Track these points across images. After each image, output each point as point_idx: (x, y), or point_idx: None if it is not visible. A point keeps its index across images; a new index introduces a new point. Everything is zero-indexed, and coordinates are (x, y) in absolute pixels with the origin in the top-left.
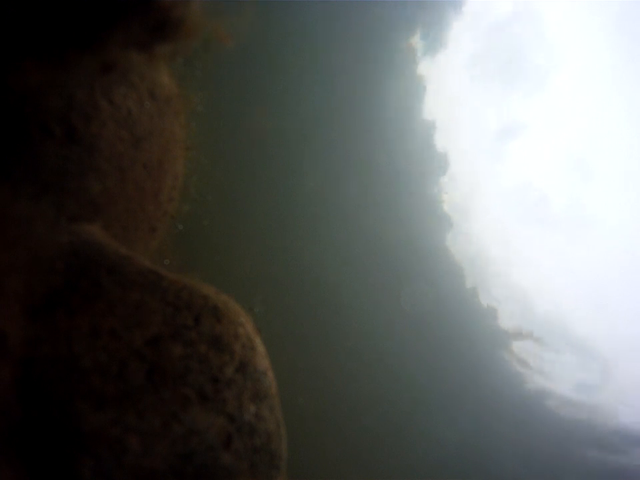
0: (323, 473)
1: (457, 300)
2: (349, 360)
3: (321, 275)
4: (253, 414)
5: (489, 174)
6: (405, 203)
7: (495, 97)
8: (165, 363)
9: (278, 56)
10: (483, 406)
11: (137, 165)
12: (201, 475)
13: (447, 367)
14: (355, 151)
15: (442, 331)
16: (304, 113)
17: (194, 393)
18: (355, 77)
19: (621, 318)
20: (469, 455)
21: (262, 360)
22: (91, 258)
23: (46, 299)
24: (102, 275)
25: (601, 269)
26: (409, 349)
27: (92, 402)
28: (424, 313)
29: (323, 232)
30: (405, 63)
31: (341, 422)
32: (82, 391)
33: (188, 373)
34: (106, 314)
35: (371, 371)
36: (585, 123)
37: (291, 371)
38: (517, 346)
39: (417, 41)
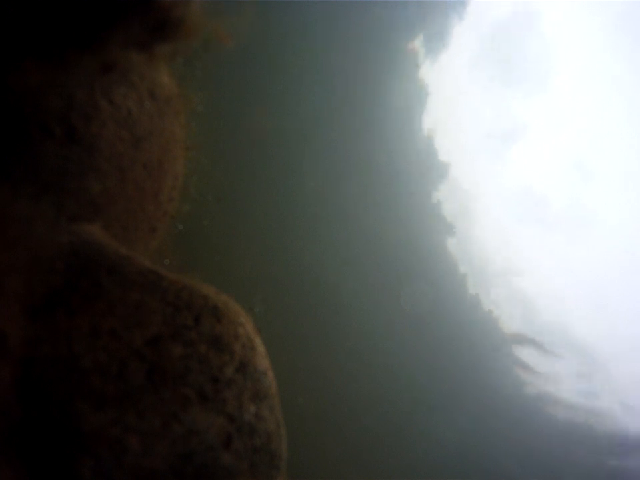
0: (323, 472)
1: (457, 300)
2: (349, 360)
3: (321, 275)
4: (253, 414)
5: (490, 175)
6: (405, 203)
7: (495, 98)
8: (165, 362)
9: (278, 56)
10: (482, 406)
11: (137, 165)
12: (201, 474)
13: (446, 367)
14: (355, 151)
15: (442, 331)
16: (304, 112)
17: (194, 393)
18: (355, 77)
19: (620, 318)
20: (469, 454)
21: (262, 360)
22: (91, 258)
23: (46, 299)
24: (102, 275)
25: (601, 269)
26: (408, 349)
27: (92, 402)
28: (424, 313)
29: (323, 232)
30: (406, 63)
31: (341, 422)
32: (82, 391)
33: (188, 373)
34: (106, 314)
35: (371, 371)
36: (585, 124)
37: (291, 371)
38: (517, 346)
39: (419, 43)
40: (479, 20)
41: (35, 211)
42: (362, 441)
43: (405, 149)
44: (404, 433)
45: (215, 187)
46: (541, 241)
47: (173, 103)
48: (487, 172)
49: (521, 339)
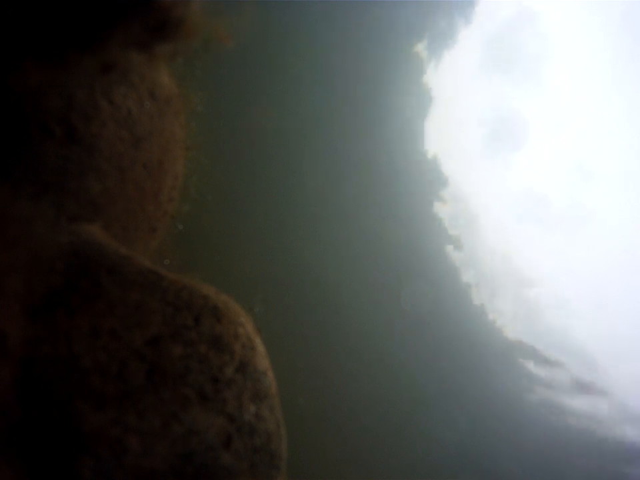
0: (323, 472)
1: (457, 300)
2: (349, 360)
3: (321, 275)
4: (253, 414)
5: (491, 176)
6: (405, 203)
7: (497, 99)
8: (165, 362)
9: (278, 56)
10: (482, 406)
11: (137, 165)
12: (201, 474)
13: (446, 367)
14: (355, 151)
15: (442, 331)
16: (304, 113)
17: (194, 393)
18: (356, 77)
19: (621, 318)
20: (469, 454)
21: (262, 360)
22: (91, 258)
23: (46, 299)
24: (102, 275)
25: (601, 269)
26: (408, 349)
27: (92, 402)
28: (424, 313)
29: (323, 232)
30: (409, 64)
31: (341, 422)
32: (82, 391)
33: (188, 373)
34: (106, 314)
35: (371, 371)
36: (585, 124)
37: (291, 371)
38: (518, 354)
39: (422, 46)
40: (484, 22)
41: (35, 211)
42: (362, 441)
43: (405, 149)
44: (404, 433)
45: (214, 187)
46: (541, 241)
47: (173, 102)
48: (488, 174)
49: (522, 348)
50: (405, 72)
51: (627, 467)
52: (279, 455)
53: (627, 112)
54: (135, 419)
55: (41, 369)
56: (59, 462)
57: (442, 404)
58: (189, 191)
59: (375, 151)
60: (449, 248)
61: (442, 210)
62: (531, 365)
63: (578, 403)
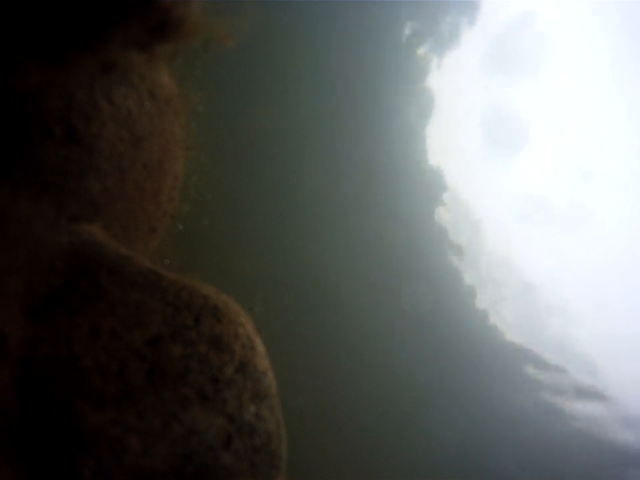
0: (323, 472)
1: (457, 300)
2: (349, 360)
3: (321, 275)
4: (253, 414)
5: (491, 178)
6: (407, 207)
7: (496, 99)
8: (165, 362)
9: (278, 56)
10: (482, 406)
11: (137, 165)
12: (201, 474)
13: (446, 367)
14: (355, 151)
15: (442, 331)
16: (304, 112)
17: (194, 393)
18: (356, 77)
19: (621, 318)
20: (469, 455)
21: (262, 360)
22: (91, 258)
23: (46, 299)
24: (102, 275)
25: (601, 269)
26: (408, 349)
27: (92, 402)
28: (424, 313)
29: (323, 232)
30: (408, 63)
31: (341, 422)
32: (82, 391)
33: (188, 373)
34: (106, 314)
35: (371, 371)
36: (585, 124)
37: (291, 371)
38: (517, 349)
39: (425, 48)
40: (487, 23)
41: (35, 211)
42: (362, 441)
43: (405, 149)
44: (404, 433)
45: (214, 187)
46: (542, 242)
47: (173, 102)
48: (488, 175)
49: (523, 352)
50: (406, 72)
51: (628, 468)
52: (278, 455)
53: (627, 112)
54: (135, 419)
55: (41, 369)
56: (58, 462)
57: (442, 404)
58: (189, 190)
59: (375, 151)
60: (451, 255)
61: (444, 216)
62: (530, 369)
63: (579, 407)
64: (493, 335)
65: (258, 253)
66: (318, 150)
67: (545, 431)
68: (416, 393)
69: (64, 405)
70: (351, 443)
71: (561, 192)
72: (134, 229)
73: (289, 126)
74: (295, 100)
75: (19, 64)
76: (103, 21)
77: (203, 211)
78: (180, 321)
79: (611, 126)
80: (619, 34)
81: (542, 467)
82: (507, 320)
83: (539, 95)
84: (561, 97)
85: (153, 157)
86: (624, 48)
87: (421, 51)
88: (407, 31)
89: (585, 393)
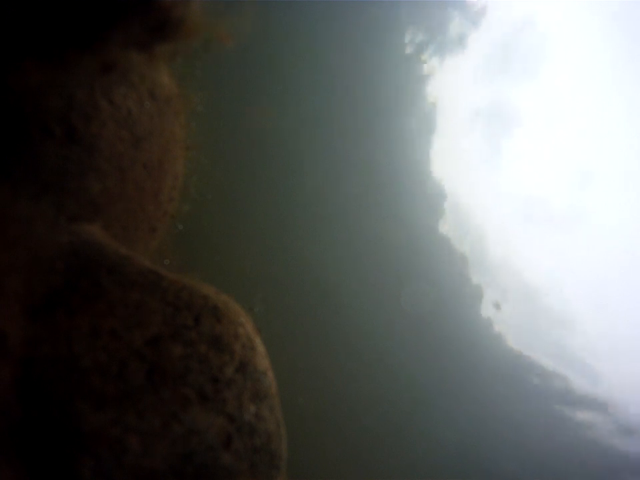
0: (323, 472)
1: (457, 300)
2: (349, 360)
3: (321, 275)
4: (253, 414)
5: (489, 180)
6: (405, 202)
7: (496, 100)
8: (165, 362)
9: (278, 56)
10: (482, 406)
11: (137, 165)
12: (201, 475)
13: (447, 367)
14: (355, 151)
15: (442, 331)
16: (304, 113)
17: (194, 393)
18: (356, 77)
19: (621, 318)
20: (469, 455)
21: (262, 360)
22: (91, 258)
23: (46, 299)
24: (102, 275)
25: (601, 269)
26: (408, 349)
27: (92, 402)
28: (424, 313)
29: (323, 232)
30: (408, 63)
31: (341, 422)
32: (82, 391)
33: (188, 373)
34: (106, 314)
35: (371, 371)
36: (585, 124)
37: (291, 370)
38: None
39: (424, 47)
40: (490, 26)
41: (35, 210)
42: (362, 441)
43: (404, 149)
44: (404, 433)
45: (214, 187)
46: (542, 243)
47: (173, 102)
48: (488, 177)
49: (524, 359)
50: (407, 72)
51: (629, 474)
52: (278, 455)
53: (627, 112)
54: (135, 419)
55: (41, 369)
56: (59, 462)
57: (442, 404)
58: (189, 190)
59: (375, 152)
60: (456, 262)
61: (446, 226)
62: (531, 375)
63: (579, 415)
64: (496, 341)
65: (258, 252)
66: (318, 150)
67: (545, 430)
68: (416, 393)
69: (64, 404)
70: (350, 443)
71: (560, 192)
72: (134, 228)
73: (289, 126)
74: (294, 100)
75: (19, 64)
76: (103, 20)
77: (202, 210)
78: (180, 321)
79: (611, 126)
80: (619, 34)
81: (543, 467)
82: (508, 322)
83: (539, 96)
84: (561, 97)
85: (153, 156)
86: (624, 48)
87: (421, 50)
88: (407, 32)
89: (586, 401)
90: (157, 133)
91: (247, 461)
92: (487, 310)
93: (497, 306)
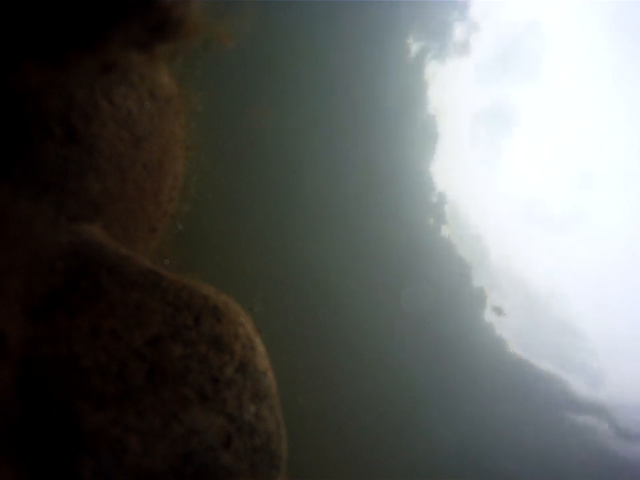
0: (323, 472)
1: (457, 300)
2: (349, 360)
3: (321, 275)
4: (253, 414)
5: (487, 177)
6: (404, 199)
7: (496, 101)
8: (165, 362)
9: (278, 56)
10: (482, 406)
11: (137, 165)
12: (201, 475)
13: (447, 367)
14: (355, 151)
15: (442, 331)
16: (304, 113)
17: (194, 393)
18: (356, 77)
19: (621, 318)
20: (469, 454)
21: (262, 360)
22: (91, 258)
23: (46, 299)
24: (102, 275)
25: (601, 269)
26: (408, 349)
27: (92, 402)
28: (424, 313)
29: (323, 232)
30: (409, 63)
31: (341, 422)
32: (82, 391)
33: (188, 373)
34: (106, 314)
35: (371, 371)
36: (585, 125)
37: (291, 371)
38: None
39: (425, 48)
40: (491, 29)
41: (35, 210)
42: (362, 441)
43: (404, 149)
44: (404, 433)
45: (214, 187)
46: (541, 241)
47: (173, 102)
48: (488, 179)
49: (525, 363)
50: (408, 73)
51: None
52: (278, 455)
53: (627, 112)
54: (135, 419)
55: (41, 369)
56: (59, 462)
57: (442, 404)
58: (189, 190)
59: (375, 151)
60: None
61: (447, 226)
62: (532, 377)
63: (579, 419)
64: (496, 342)
65: (258, 252)
66: (318, 150)
67: (546, 429)
68: (416, 393)
69: (64, 404)
70: (350, 443)
71: (560, 193)
72: (134, 228)
73: (289, 126)
74: (295, 100)
75: (19, 64)
76: (103, 20)
77: (202, 210)
78: (180, 321)
79: (611, 126)
80: (619, 34)
81: (542, 466)
82: (509, 325)
83: (539, 96)
84: (561, 97)
85: (153, 156)
86: (624, 48)
87: (423, 51)
88: (408, 32)
89: (586, 405)
90: (156, 133)
91: (246, 461)
92: (489, 315)
93: (499, 311)
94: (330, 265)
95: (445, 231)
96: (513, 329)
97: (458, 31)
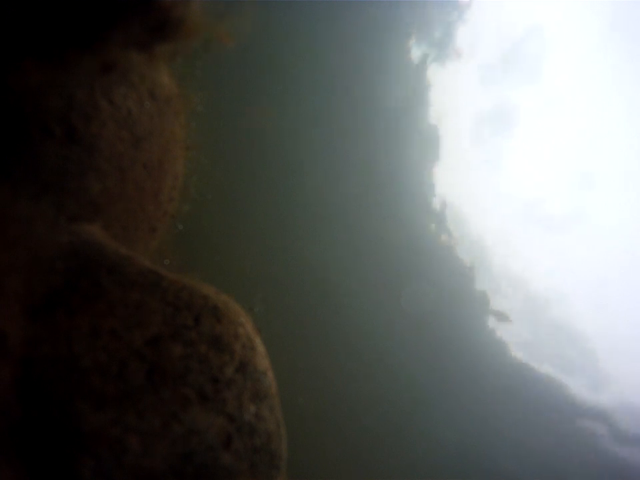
0: (323, 472)
1: (458, 300)
2: (349, 360)
3: (321, 275)
4: (253, 414)
5: (489, 178)
6: (405, 203)
7: (496, 102)
8: (165, 362)
9: (278, 56)
10: (483, 406)
11: (137, 165)
12: (201, 474)
13: (447, 367)
14: (354, 151)
15: (442, 331)
16: (304, 112)
17: (194, 393)
18: (356, 77)
19: (621, 318)
20: (469, 454)
21: (262, 360)
22: (91, 258)
23: (46, 299)
24: (102, 275)
25: (601, 269)
26: (408, 349)
27: (92, 402)
28: (424, 312)
29: (323, 232)
30: (409, 63)
31: (341, 422)
32: (82, 391)
33: (188, 373)
34: (106, 314)
35: (371, 371)
36: (584, 124)
37: (291, 371)
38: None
39: (424, 49)
40: (491, 29)
41: (35, 211)
42: (362, 441)
43: (404, 149)
44: (404, 433)
45: (214, 187)
46: (541, 241)
47: (173, 102)
48: (488, 180)
49: (525, 368)
50: (408, 72)
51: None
52: (278, 455)
53: (627, 113)
54: (135, 419)
55: (41, 369)
56: (59, 462)
57: (442, 404)
58: (189, 190)
59: (375, 151)
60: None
61: (449, 233)
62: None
63: (580, 424)
64: (500, 349)
65: (258, 252)
66: (318, 150)
67: (546, 429)
68: (416, 393)
69: (64, 404)
70: (350, 443)
71: (560, 193)
72: (134, 228)
73: (289, 126)
74: (295, 100)
75: (19, 64)
76: (103, 20)
77: (202, 210)
78: (180, 321)
79: (611, 127)
80: (619, 35)
81: (543, 467)
82: (511, 331)
83: (539, 97)
84: (561, 98)
85: (153, 156)
86: (624, 48)
87: (423, 51)
88: (407, 31)
89: (586, 409)
90: (157, 133)
91: (247, 461)
92: (493, 322)
93: (504, 317)
94: (330, 264)
95: (445, 232)
96: (513, 330)
97: (458, 32)
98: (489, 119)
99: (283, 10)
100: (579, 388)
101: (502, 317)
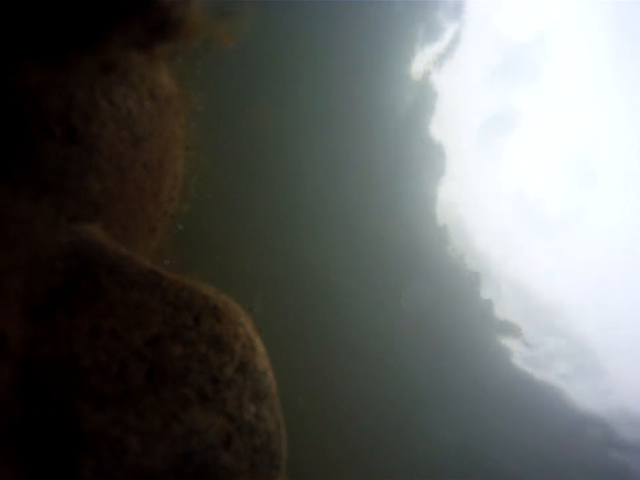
0: (323, 472)
1: (458, 299)
2: (349, 360)
3: (321, 275)
4: (253, 414)
5: (488, 178)
6: (405, 203)
7: (495, 99)
8: (165, 362)
9: (278, 56)
10: (483, 406)
11: (137, 165)
12: (201, 474)
13: (447, 367)
14: (354, 150)
15: (442, 331)
16: (304, 113)
17: (194, 393)
18: (356, 77)
19: (621, 318)
20: (469, 454)
21: (262, 360)
22: (91, 258)
23: (46, 299)
24: (102, 275)
25: (601, 269)
26: (408, 349)
27: (92, 402)
28: (424, 312)
29: (323, 232)
30: (409, 63)
31: (341, 422)
32: (82, 391)
33: (188, 373)
34: (106, 314)
35: (371, 371)
36: (585, 125)
37: (291, 371)
38: (517, 346)
39: (424, 47)
40: (491, 30)
41: (35, 210)
42: (362, 441)
43: (404, 149)
44: (404, 433)
45: (214, 187)
46: (541, 241)
47: (173, 102)
48: (485, 176)
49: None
50: (408, 72)
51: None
52: (278, 455)
53: (627, 113)
54: (135, 419)
55: (41, 369)
56: (59, 462)
57: (442, 404)
58: (189, 190)
59: (375, 151)
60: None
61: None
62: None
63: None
64: (493, 328)
65: (258, 252)
66: (317, 150)
67: (546, 429)
68: (416, 393)
69: (64, 404)
70: (351, 443)
71: (560, 193)
72: (134, 228)
73: (289, 126)
74: (295, 100)
75: (19, 64)
76: (103, 20)
77: (202, 210)
78: (180, 321)
79: (611, 127)
80: (620, 35)
81: (544, 466)
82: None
83: (539, 97)
84: (561, 98)
85: (153, 156)
86: (624, 48)
87: (421, 51)
88: (406, 31)
89: (586, 415)
90: (156, 133)
91: (247, 461)
92: (507, 341)
93: (516, 331)
94: (330, 265)
95: (447, 236)
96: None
97: (457, 33)
98: (488, 119)
99: (283, 10)
100: (578, 389)
101: (514, 331)
